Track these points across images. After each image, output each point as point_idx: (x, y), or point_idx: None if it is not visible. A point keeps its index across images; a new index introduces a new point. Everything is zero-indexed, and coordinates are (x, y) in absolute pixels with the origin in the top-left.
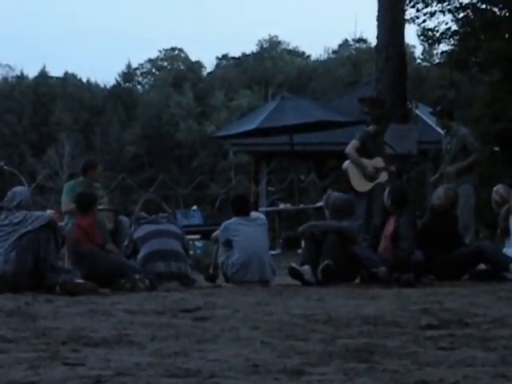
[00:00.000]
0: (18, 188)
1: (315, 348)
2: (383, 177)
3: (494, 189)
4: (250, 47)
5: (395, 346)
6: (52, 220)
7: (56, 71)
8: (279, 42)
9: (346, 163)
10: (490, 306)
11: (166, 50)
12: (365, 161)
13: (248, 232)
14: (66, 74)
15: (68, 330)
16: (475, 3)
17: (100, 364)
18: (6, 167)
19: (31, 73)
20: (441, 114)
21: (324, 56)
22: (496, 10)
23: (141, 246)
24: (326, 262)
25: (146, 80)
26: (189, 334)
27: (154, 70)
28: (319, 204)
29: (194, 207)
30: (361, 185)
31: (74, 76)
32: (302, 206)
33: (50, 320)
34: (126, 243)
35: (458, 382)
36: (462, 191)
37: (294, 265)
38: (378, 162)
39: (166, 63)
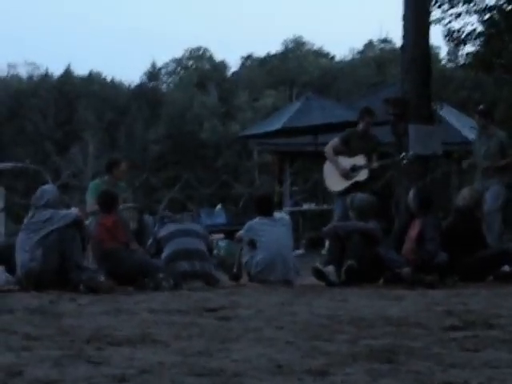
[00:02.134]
0: (47, 186)
1: (339, 348)
2: (362, 175)
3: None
4: (275, 47)
5: (419, 347)
6: (78, 218)
7: (81, 70)
8: (304, 43)
9: (325, 162)
10: None
11: (191, 49)
12: (343, 159)
13: (272, 232)
14: (90, 72)
15: (92, 328)
16: (501, 5)
17: (124, 363)
18: (31, 165)
19: (56, 71)
20: (486, 114)
21: (349, 57)
22: None
23: (165, 245)
24: (349, 262)
25: (170, 79)
26: (213, 333)
27: (178, 70)
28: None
29: (219, 206)
30: (335, 184)
31: (98, 75)
32: (325, 206)
33: (74, 318)
34: (150, 242)
35: None
36: (492, 191)
37: (317, 265)
38: (359, 160)
39: (190, 63)
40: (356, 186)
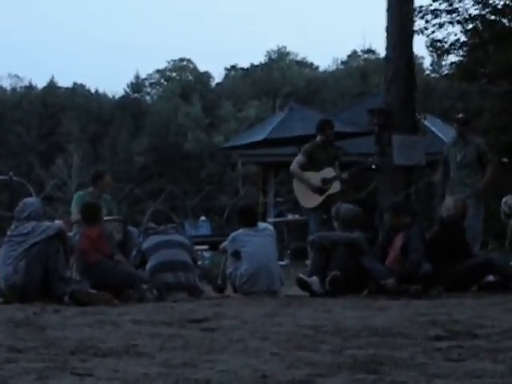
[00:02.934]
0: (29, 199)
1: (324, 359)
2: (335, 187)
3: (503, 200)
4: (259, 58)
5: (404, 358)
6: (61, 230)
7: (64, 82)
8: (288, 53)
9: (294, 181)
10: (499, 318)
11: (175, 60)
12: (312, 174)
13: (256, 243)
14: (74, 84)
15: (76, 340)
16: (484, 15)
17: (108, 374)
18: (14, 178)
19: (40, 83)
20: (465, 122)
21: (332, 67)
22: (505, 21)
23: (149, 256)
24: (333, 273)
25: (154, 91)
26: (197, 344)
27: (162, 81)
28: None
29: (203, 218)
30: (309, 201)
31: (82, 86)
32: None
33: (58, 330)
34: (134, 254)
35: None
36: (473, 201)
37: (302, 276)
38: (328, 172)
39: (174, 74)
40: (329, 199)
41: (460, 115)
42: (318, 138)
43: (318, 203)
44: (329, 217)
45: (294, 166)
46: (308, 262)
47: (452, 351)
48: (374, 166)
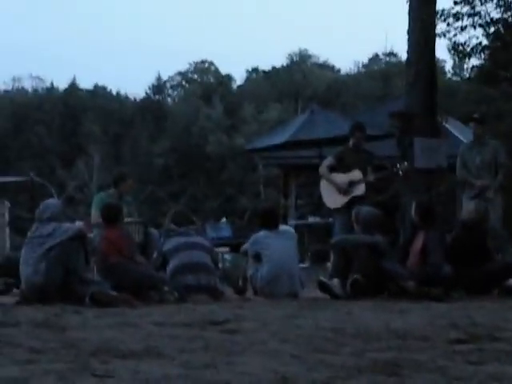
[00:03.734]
0: (50, 200)
1: (344, 361)
2: (359, 190)
3: None
4: (280, 60)
5: (424, 360)
6: (81, 232)
7: (86, 83)
8: (309, 56)
9: (321, 181)
10: None
11: (196, 62)
12: (339, 176)
13: (277, 245)
14: (95, 86)
15: (97, 341)
16: (506, 18)
17: (129, 376)
18: (35, 179)
19: (61, 85)
20: (482, 122)
21: (354, 70)
22: None
23: (170, 258)
24: (355, 276)
25: (175, 93)
26: (217, 346)
27: (183, 83)
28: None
29: (224, 220)
30: (334, 201)
31: (103, 88)
32: (331, 219)
33: (78, 331)
34: (155, 255)
35: None
36: (496, 205)
37: (322, 278)
38: (355, 175)
39: (195, 76)
40: (354, 201)
41: (476, 115)
42: (350, 142)
43: (342, 204)
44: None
45: (323, 167)
46: (329, 265)
47: (472, 354)
48: (400, 172)
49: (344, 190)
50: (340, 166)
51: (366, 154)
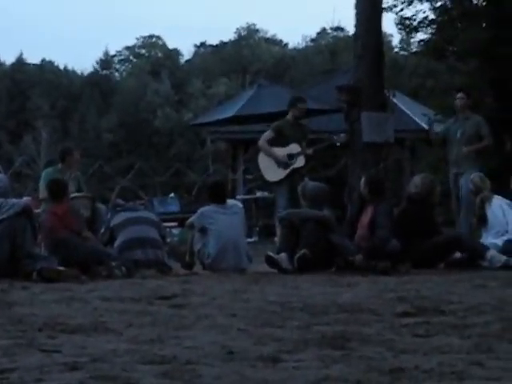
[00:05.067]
0: None
1: (291, 335)
2: (299, 162)
3: (470, 178)
4: (228, 35)
5: (371, 334)
6: (27, 207)
7: (33, 58)
8: (257, 30)
9: (259, 155)
10: (466, 294)
11: (144, 37)
12: (278, 149)
13: (224, 220)
14: (43, 60)
15: (44, 316)
16: None
17: (76, 351)
18: None
19: (8, 59)
20: (469, 95)
21: (302, 44)
22: None
23: (118, 233)
24: (302, 251)
25: (123, 67)
26: (165, 321)
27: (131, 58)
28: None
29: (172, 195)
30: (274, 174)
31: (51, 63)
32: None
33: (26, 307)
34: (102, 231)
35: (433, 369)
36: (467, 177)
37: (270, 253)
38: (293, 148)
39: (143, 50)
40: (293, 174)
41: (460, 93)
42: (289, 115)
43: (282, 177)
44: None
45: (262, 141)
46: (276, 239)
47: (419, 327)
48: (338, 144)
49: (283, 163)
50: (279, 140)
51: (304, 127)
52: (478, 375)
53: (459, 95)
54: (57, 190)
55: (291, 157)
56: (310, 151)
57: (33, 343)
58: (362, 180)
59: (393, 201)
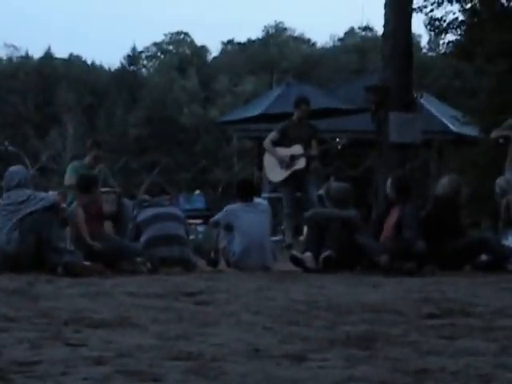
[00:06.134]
0: (14, 167)
1: (317, 334)
2: (300, 163)
3: (496, 181)
4: (256, 33)
5: (396, 334)
6: (57, 203)
7: (61, 53)
8: (285, 29)
9: (265, 155)
10: (492, 297)
11: (172, 33)
12: (281, 150)
13: (250, 218)
14: (70, 55)
15: (70, 310)
16: None
17: (101, 345)
18: (10, 148)
19: (36, 53)
20: None
21: (330, 43)
22: (504, 1)
23: (144, 229)
24: (327, 252)
25: (150, 63)
26: (190, 317)
27: (159, 54)
28: (321, 191)
29: (197, 192)
30: (276, 175)
31: (78, 58)
32: (298, 193)
33: (51, 300)
34: (130, 227)
35: (459, 371)
36: None
37: (295, 252)
38: (296, 149)
39: (171, 47)
40: (296, 175)
41: None
42: (294, 116)
43: (283, 178)
44: (301, 194)
45: (267, 141)
46: (302, 238)
47: (445, 329)
48: (339, 147)
49: (286, 163)
50: (284, 140)
51: (310, 128)
52: (505, 378)
53: None
54: (86, 184)
55: (293, 158)
56: (313, 152)
57: (58, 337)
58: (389, 181)
59: (419, 202)
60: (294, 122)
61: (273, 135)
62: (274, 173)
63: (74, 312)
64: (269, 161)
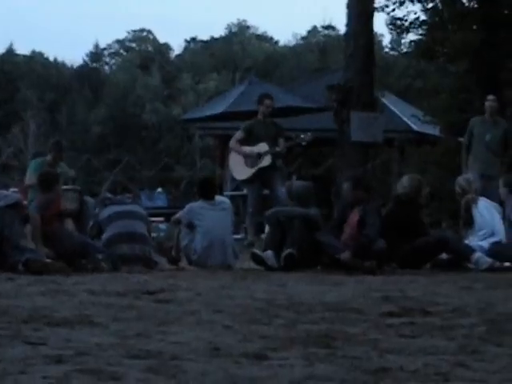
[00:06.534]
0: None
1: (277, 333)
2: (266, 161)
3: (456, 180)
4: (219, 31)
5: (356, 333)
6: (20, 201)
7: (23, 49)
8: (248, 27)
9: (230, 155)
10: (451, 295)
11: (135, 31)
12: (247, 148)
13: (211, 216)
14: (33, 52)
15: (29, 308)
16: None
17: (61, 344)
18: None
19: None
20: (497, 100)
21: (292, 42)
22: (465, 0)
23: (105, 227)
24: (289, 250)
25: (113, 61)
26: (151, 315)
27: (121, 51)
28: (283, 190)
29: (159, 189)
30: (241, 173)
31: (40, 54)
32: (266, 191)
33: (11, 298)
34: (91, 224)
35: (418, 370)
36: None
37: (256, 250)
38: (262, 147)
39: (134, 44)
40: (261, 172)
41: (491, 95)
42: (259, 113)
43: (248, 176)
44: (269, 192)
45: (233, 141)
46: (263, 236)
47: (404, 328)
48: (303, 143)
49: (251, 161)
50: (250, 139)
51: (275, 126)
52: (463, 377)
53: (491, 97)
54: (47, 181)
55: (259, 156)
56: (279, 149)
57: (17, 335)
58: (349, 180)
59: (380, 201)
60: (259, 121)
61: (238, 134)
62: (240, 171)
63: (34, 310)
64: (234, 159)
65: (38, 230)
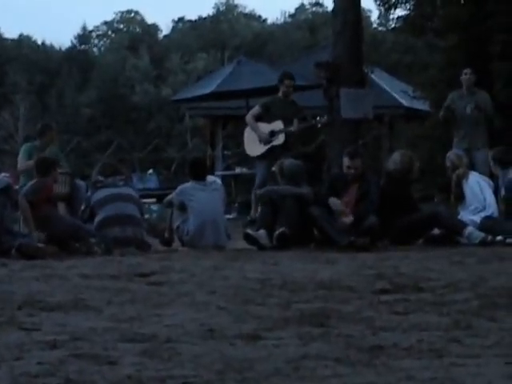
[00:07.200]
0: None
1: (271, 313)
2: (279, 139)
3: (447, 155)
4: (207, 10)
5: (350, 311)
6: (10, 185)
7: (11, 33)
8: (236, 6)
9: (246, 129)
10: (444, 271)
11: (122, 12)
12: (262, 125)
13: (203, 197)
14: (20, 35)
15: (24, 294)
16: None
17: (56, 329)
18: None
19: None
20: (475, 72)
21: (280, 20)
22: None
23: (98, 210)
24: (281, 229)
25: (101, 42)
26: (145, 298)
27: (109, 33)
28: (274, 169)
29: (150, 171)
30: (253, 149)
31: (28, 38)
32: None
33: (5, 284)
34: (83, 208)
35: (412, 347)
36: (481, 156)
37: (248, 230)
38: (277, 125)
39: (122, 26)
40: (273, 150)
41: (468, 69)
42: (280, 91)
43: (260, 153)
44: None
45: (249, 116)
46: (252, 215)
47: (398, 304)
48: (319, 125)
49: (264, 138)
50: (266, 116)
51: (294, 105)
52: (457, 352)
53: (467, 71)
54: (44, 166)
55: (273, 134)
56: (292, 129)
57: (12, 321)
58: (345, 154)
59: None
60: (279, 98)
61: (256, 109)
62: (252, 147)
63: (28, 295)
64: (249, 135)
65: (29, 215)
